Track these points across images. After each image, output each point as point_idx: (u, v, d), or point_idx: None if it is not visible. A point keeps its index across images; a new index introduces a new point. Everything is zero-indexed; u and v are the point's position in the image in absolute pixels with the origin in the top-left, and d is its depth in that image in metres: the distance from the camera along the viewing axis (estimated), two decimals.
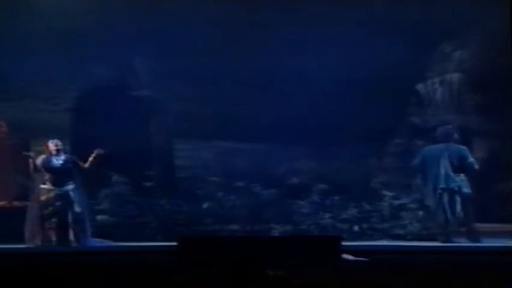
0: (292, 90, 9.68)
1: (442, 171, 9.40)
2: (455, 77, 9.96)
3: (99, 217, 9.58)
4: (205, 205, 9.83)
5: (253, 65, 9.71)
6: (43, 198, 9.14)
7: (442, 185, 9.40)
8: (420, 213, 9.65)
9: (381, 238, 9.59)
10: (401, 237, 9.60)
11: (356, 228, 9.68)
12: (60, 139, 9.29)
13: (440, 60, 9.92)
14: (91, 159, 9.12)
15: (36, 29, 9.69)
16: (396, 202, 9.73)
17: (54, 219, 9.14)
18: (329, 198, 9.77)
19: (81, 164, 9.15)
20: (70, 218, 9.15)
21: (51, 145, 9.18)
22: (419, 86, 9.95)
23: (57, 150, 9.15)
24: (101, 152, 9.13)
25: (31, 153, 9.16)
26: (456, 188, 9.34)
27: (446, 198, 9.39)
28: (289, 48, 9.64)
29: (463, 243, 9.32)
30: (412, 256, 8.77)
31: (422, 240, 9.47)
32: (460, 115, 9.88)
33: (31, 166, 9.11)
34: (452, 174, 9.39)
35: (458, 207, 9.37)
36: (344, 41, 9.58)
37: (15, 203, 9.46)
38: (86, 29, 9.69)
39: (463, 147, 9.44)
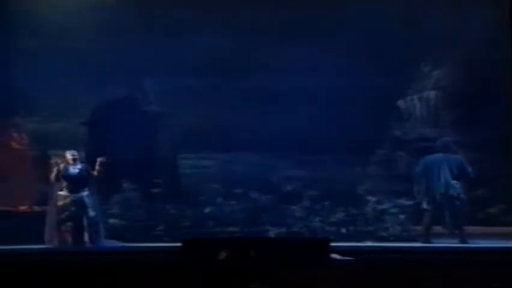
0: (286, 106, 9.90)
1: (442, 178, 9.67)
2: (432, 94, 10.19)
3: (111, 220, 9.73)
4: (207, 209, 9.98)
5: (251, 85, 9.94)
6: (60, 203, 9.34)
7: (442, 191, 9.67)
8: (402, 216, 9.81)
9: (366, 239, 9.76)
10: (384, 238, 9.76)
11: (343, 230, 9.82)
12: (76, 150, 9.52)
13: (419, 79, 10.17)
14: (96, 167, 9.40)
15: (56, 49, 9.92)
16: (380, 207, 9.88)
17: (70, 223, 9.33)
18: (319, 203, 9.92)
19: (92, 172, 9.42)
20: (84, 221, 9.32)
21: (68, 155, 9.42)
22: (400, 102, 10.17)
23: (74, 160, 9.39)
24: (104, 160, 9.38)
25: (58, 160, 9.40)
26: (455, 195, 9.62)
27: (446, 203, 9.65)
28: (283, 69, 9.85)
29: (442, 243, 9.57)
30: (394, 255, 9.06)
31: (403, 241, 9.65)
32: (436, 128, 10.08)
33: (55, 172, 9.37)
34: (451, 181, 9.65)
35: (457, 211, 9.64)
36: (332, 61, 9.82)
37: (35, 208, 9.65)
38: (101, 50, 9.92)
39: (461, 158, 9.71)
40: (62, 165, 9.41)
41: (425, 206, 9.72)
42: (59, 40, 10.00)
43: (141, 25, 10.10)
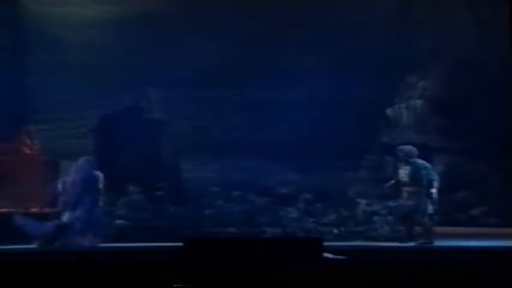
0: (281, 115, 10.03)
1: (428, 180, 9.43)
2: (419, 103, 10.32)
3: (118, 221, 9.83)
4: (207, 211, 10.07)
5: (250, 94, 10.07)
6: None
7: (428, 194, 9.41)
8: (390, 218, 9.86)
9: (356, 239, 9.84)
10: (373, 238, 9.85)
11: (335, 231, 9.91)
12: (85, 155, 9.50)
13: (406, 89, 10.30)
14: None
15: (66, 62, 10.06)
16: (369, 209, 10.00)
17: (81, 224, 9.29)
18: (312, 205, 10.01)
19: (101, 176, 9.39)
20: (91, 222, 9.27)
21: (82, 161, 9.43)
22: (388, 111, 10.29)
23: (88, 166, 9.39)
24: None
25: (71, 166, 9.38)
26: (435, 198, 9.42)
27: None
28: (279, 81, 9.97)
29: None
30: (383, 254, 9.13)
31: (391, 241, 9.70)
32: (422, 135, 10.18)
33: (68, 177, 9.38)
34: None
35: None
36: (325, 73, 9.95)
37: (46, 210, 9.65)
38: (108, 62, 10.04)
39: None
40: (73, 170, 9.44)
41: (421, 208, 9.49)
42: (69, 54, 10.16)
43: (145, 40, 10.20)
